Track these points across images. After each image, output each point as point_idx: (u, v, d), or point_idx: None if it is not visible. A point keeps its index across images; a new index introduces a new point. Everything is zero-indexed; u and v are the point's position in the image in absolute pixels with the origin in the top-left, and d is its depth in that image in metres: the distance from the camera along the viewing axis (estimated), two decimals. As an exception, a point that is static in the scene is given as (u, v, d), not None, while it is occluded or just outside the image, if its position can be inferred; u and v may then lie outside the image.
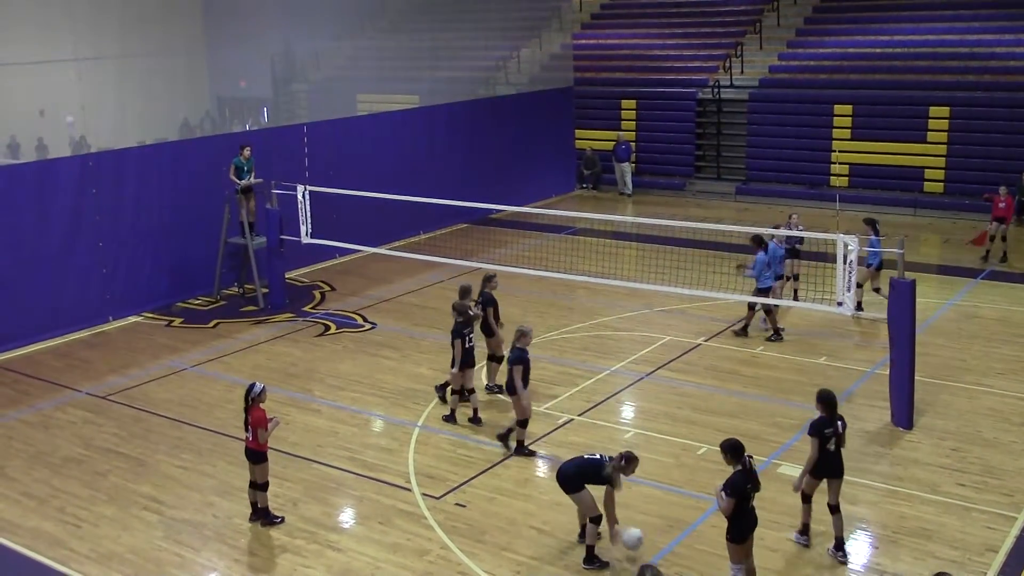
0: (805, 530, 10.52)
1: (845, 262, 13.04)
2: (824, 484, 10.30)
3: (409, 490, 11.90)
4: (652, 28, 32.45)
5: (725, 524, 9.23)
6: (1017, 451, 12.51)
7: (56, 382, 15.71)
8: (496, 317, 14.36)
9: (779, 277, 16.71)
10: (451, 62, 32.17)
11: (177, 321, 18.61)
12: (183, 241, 19.42)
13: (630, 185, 29.40)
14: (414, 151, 24.14)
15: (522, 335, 12.47)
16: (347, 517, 11.49)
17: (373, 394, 14.90)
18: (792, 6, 30.64)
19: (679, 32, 31.75)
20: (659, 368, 15.50)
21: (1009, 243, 21.18)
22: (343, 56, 36.52)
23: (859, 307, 16.17)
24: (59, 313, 17.65)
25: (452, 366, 13.57)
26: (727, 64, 29.34)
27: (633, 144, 29.78)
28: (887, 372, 13.58)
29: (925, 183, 25.93)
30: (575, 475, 9.98)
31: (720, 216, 25.71)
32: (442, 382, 14.40)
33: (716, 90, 28.89)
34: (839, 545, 10.26)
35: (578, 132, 30.27)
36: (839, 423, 10.16)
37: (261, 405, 10.93)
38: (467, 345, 13.48)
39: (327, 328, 17.97)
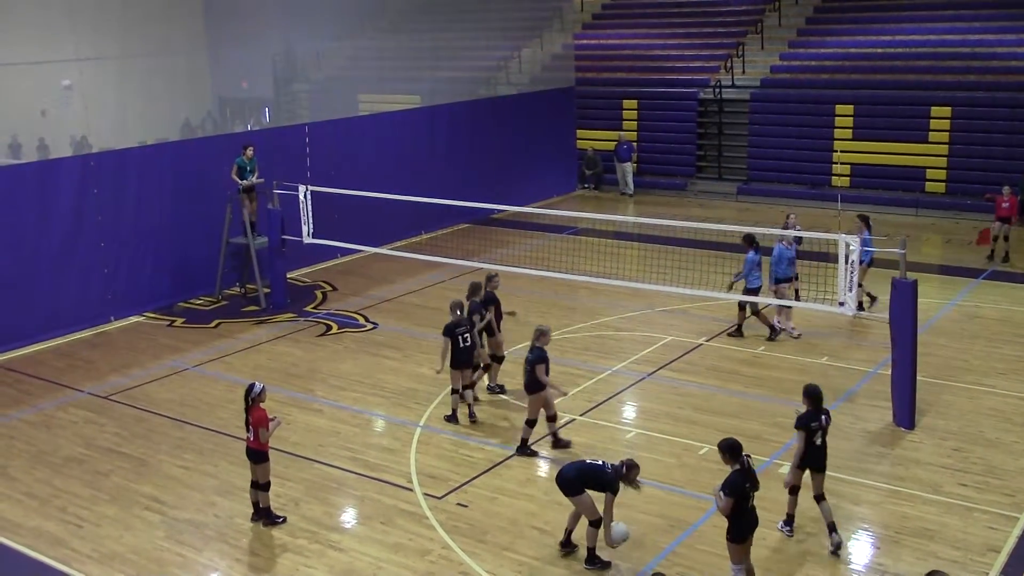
0: (789, 520, 10.69)
1: (846, 262, 13.04)
2: (808, 479, 10.48)
3: (411, 490, 11.90)
4: (653, 28, 32.45)
5: (726, 524, 9.25)
6: (1019, 451, 12.50)
7: (58, 382, 15.72)
8: (498, 316, 14.35)
9: (788, 279, 16.55)
10: (452, 62, 32.16)
11: (179, 321, 18.62)
12: (184, 241, 19.43)
13: (631, 185, 29.40)
14: (415, 151, 24.14)
15: (541, 334, 12.48)
16: (349, 517, 11.49)
17: (375, 394, 14.90)
18: (793, 6, 30.64)
19: (680, 32, 31.74)
20: (661, 368, 15.49)
21: (1012, 243, 21.16)
22: (344, 56, 36.52)
23: (860, 307, 16.16)
24: (61, 313, 17.67)
25: (439, 366, 13.58)
26: (728, 64, 29.33)
27: (635, 144, 29.78)
28: (889, 372, 13.56)
29: (927, 183, 25.91)
30: (575, 479, 9.97)
31: (721, 216, 25.71)
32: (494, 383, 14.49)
33: (718, 90, 28.88)
34: (832, 528, 10.42)
35: (579, 132, 30.27)
36: (824, 417, 10.37)
37: (261, 405, 10.94)
38: (462, 344, 13.48)
39: (329, 328, 17.97)
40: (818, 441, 10.33)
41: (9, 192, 17.10)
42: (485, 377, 14.63)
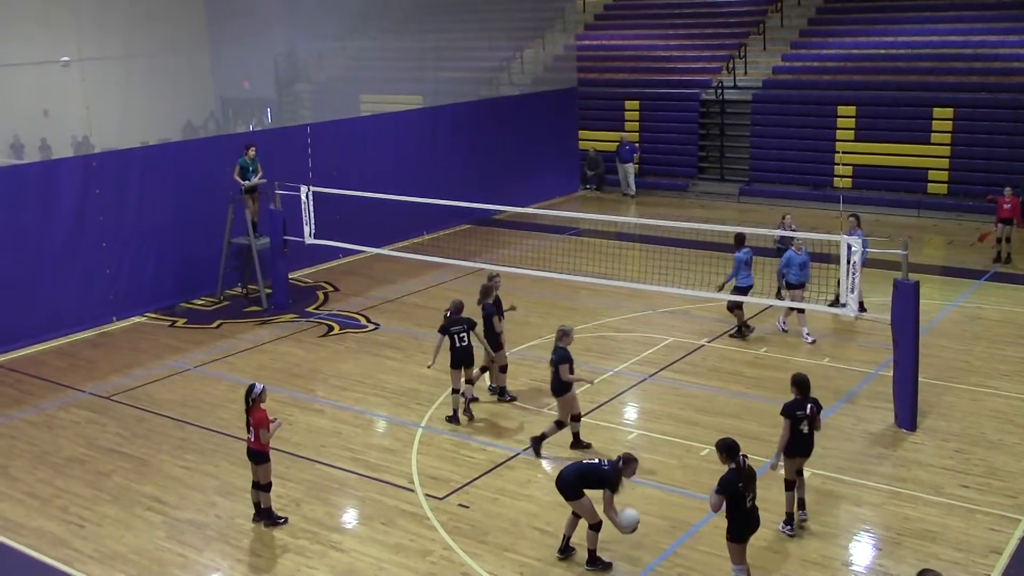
0: (789, 520, 10.75)
1: (848, 263, 13.03)
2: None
3: (412, 491, 11.90)
4: (656, 29, 32.44)
5: (727, 525, 9.27)
6: (1020, 453, 12.48)
7: (59, 382, 15.73)
8: (500, 317, 14.33)
9: (800, 285, 16.39)
10: (454, 63, 32.19)
11: (180, 321, 18.63)
12: (186, 241, 19.44)
13: (633, 186, 29.39)
14: (417, 152, 24.15)
15: (564, 334, 12.45)
16: (350, 518, 11.49)
17: (376, 395, 14.91)
18: (796, 7, 30.63)
19: (683, 33, 31.73)
20: (662, 369, 15.49)
21: (1013, 244, 21.14)
22: (346, 57, 36.54)
23: (861, 307, 16.16)
24: (63, 313, 17.68)
25: (431, 360, 13.67)
26: (730, 65, 29.32)
27: (637, 144, 29.77)
28: (890, 373, 13.55)
29: (929, 184, 25.90)
30: (575, 481, 9.95)
31: (723, 217, 25.71)
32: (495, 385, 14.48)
33: (719, 91, 28.87)
34: (801, 505, 10.83)
35: (581, 133, 30.27)
36: (810, 405, 10.53)
37: (262, 406, 10.95)
38: (458, 344, 13.49)
39: (330, 328, 17.98)
40: (804, 429, 10.56)
41: (11, 192, 17.12)
42: (486, 377, 14.63)
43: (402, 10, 35.93)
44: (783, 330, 16.84)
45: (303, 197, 18.21)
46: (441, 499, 11.67)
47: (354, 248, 19.98)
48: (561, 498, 10.20)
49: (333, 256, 21.68)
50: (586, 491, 9.96)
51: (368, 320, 18.41)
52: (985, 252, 21.28)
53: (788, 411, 10.52)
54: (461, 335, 13.50)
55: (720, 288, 16.63)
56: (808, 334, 16.51)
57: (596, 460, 10.14)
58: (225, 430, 13.63)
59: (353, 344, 17.17)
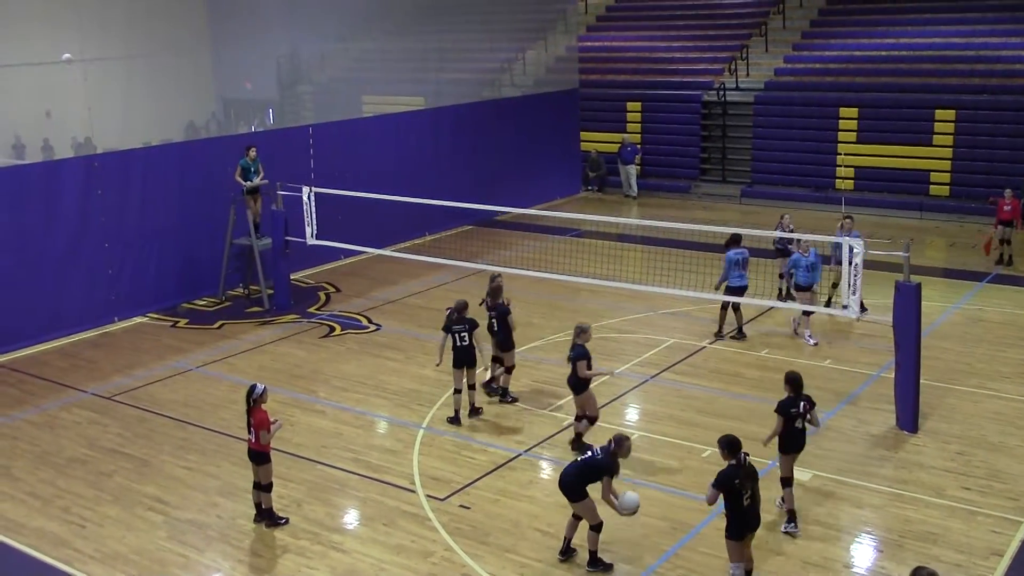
0: (792, 517, 10.81)
1: (850, 265, 13.03)
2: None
3: (413, 492, 11.90)
4: (657, 31, 32.44)
5: (726, 522, 9.33)
6: (1022, 455, 12.47)
7: (61, 382, 15.74)
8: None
9: (807, 287, 16.28)
10: (456, 64, 32.20)
11: (182, 322, 18.64)
12: (188, 242, 19.46)
13: (635, 187, 29.39)
14: (419, 153, 24.15)
15: (582, 332, 12.51)
16: (351, 518, 11.50)
17: (377, 395, 14.91)
18: (798, 9, 30.63)
19: (685, 35, 31.74)
20: (664, 370, 15.49)
21: (1014, 247, 21.12)
22: (348, 58, 36.55)
23: (863, 308, 16.14)
24: (64, 313, 17.69)
25: (437, 359, 13.77)
26: (732, 67, 29.31)
27: (639, 146, 29.78)
28: (892, 375, 13.54)
29: (931, 186, 25.88)
30: (577, 481, 9.93)
31: (725, 219, 25.69)
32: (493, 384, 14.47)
33: (721, 93, 28.87)
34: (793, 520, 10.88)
35: (583, 134, 30.27)
36: (803, 403, 10.71)
37: (263, 406, 10.95)
38: (458, 343, 13.52)
39: (332, 329, 17.99)
40: (799, 426, 10.75)
41: (14, 193, 17.13)
42: (487, 375, 14.63)
43: (404, 11, 35.95)
44: (803, 337, 16.62)
45: (305, 198, 18.22)
46: (442, 500, 11.67)
47: (356, 249, 19.98)
48: (562, 499, 10.20)
49: (335, 257, 21.69)
50: (589, 486, 9.95)
51: (370, 321, 18.42)
52: (992, 255, 21.26)
53: (783, 408, 10.71)
54: (462, 335, 13.51)
55: (717, 288, 16.64)
56: (810, 336, 16.50)
57: (589, 453, 10.09)
58: (227, 431, 13.64)
59: (354, 345, 17.17)
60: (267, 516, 11.18)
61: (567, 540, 10.30)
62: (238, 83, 36.42)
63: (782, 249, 18.23)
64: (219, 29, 35.30)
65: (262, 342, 17.41)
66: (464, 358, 13.58)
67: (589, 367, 12.37)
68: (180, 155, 20.18)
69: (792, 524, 10.76)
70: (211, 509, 11.63)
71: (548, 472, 12.36)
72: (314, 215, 18.27)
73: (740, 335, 16.72)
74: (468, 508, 11.47)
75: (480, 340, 13.71)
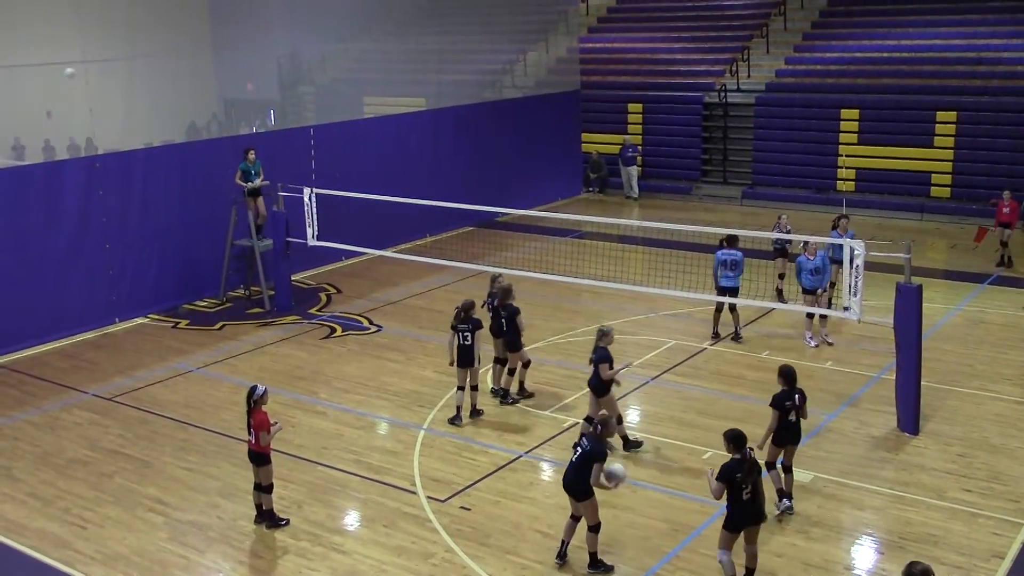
0: (781, 495, 11.07)
1: (852, 266, 13.02)
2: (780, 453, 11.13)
3: (414, 493, 11.90)
4: (659, 32, 32.43)
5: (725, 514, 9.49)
6: (1023, 457, 12.47)
7: (62, 383, 15.74)
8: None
9: (812, 291, 16.15)
10: (458, 65, 32.20)
11: (183, 323, 18.64)
12: (189, 243, 19.46)
13: (636, 189, 29.38)
14: (420, 154, 24.15)
15: (604, 335, 12.55)
16: (352, 520, 11.49)
17: (378, 397, 14.91)
18: (799, 10, 30.62)
19: (686, 36, 31.72)
20: (665, 372, 15.48)
21: (1013, 248, 21.10)
22: (350, 59, 36.55)
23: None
24: (65, 314, 17.70)
25: (449, 358, 13.83)
26: (734, 68, 29.31)
27: (640, 147, 29.77)
28: (893, 377, 13.53)
29: (932, 188, 25.87)
30: (580, 478, 9.91)
31: (726, 220, 25.69)
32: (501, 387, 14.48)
33: (723, 94, 28.86)
34: (786, 496, 11.15)
35: (584, 135, 30.27)
36: (797, 396, 10.88)
37: (263, 407, 10.95)
38: (461, 342, 13.56)
39: (333, 330, 17.99)
40: (792, 419, 10.92)
41: (15, 194, 17.14)
42: (490, 380, 14.64)
43: (405, 12, 35.97)
44: (827, 343, 16.47)
45: (306, 199, 18.23)
46: (443, 501, 11.66)
47: (357, 250, 19.97)
48: (563, 500, 10.18)
49: (336, 258, 21.69)
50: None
51: (370, 322, 18.42)
52: (988, 256, 21.25)
53: (777, 402, 10.89)
54: (465, 334, 13.57)
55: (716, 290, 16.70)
56: (811, 337, 16.50)
57: (578, 449, 10.01)
58: (227, 432, 13.63)
59: (355, 346, 17.17)
60: (268, 517, 11.17)
61: (565, 543, 10.27)
62: (239, 84, 36.43)
63: (780, 249, 18.30)
64: (220, 30, 35.32)
65: (263, 343, 17.41)
66: (467, 358, 13.63)
67: (611, 368, 12.41)
68: (181, 156, 20.17)
69: (782, 501, 11.07)
70: (212, 510, 11.63)
71: (549, 474, 12.36)
72: (315, 216, 18.27)
73: (737, 338, 16.72)
74: (469, 509, 11.46)
75: (481, 341, 13.74)
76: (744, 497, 9.35)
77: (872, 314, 15.85)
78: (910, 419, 13.13)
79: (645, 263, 19.29)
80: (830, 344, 16.40)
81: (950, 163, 25.65)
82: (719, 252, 16.47)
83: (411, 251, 21.80)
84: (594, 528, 10.02)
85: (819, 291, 16.17)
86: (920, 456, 12.55)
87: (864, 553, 10.56)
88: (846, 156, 26.47)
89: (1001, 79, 25.73)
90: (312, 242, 18.45)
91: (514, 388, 14.52)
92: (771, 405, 10.92)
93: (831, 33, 29.70)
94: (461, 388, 13.78)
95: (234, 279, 20.01)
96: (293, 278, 19.75)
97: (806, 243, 16.28)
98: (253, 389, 10.94)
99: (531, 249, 22.56)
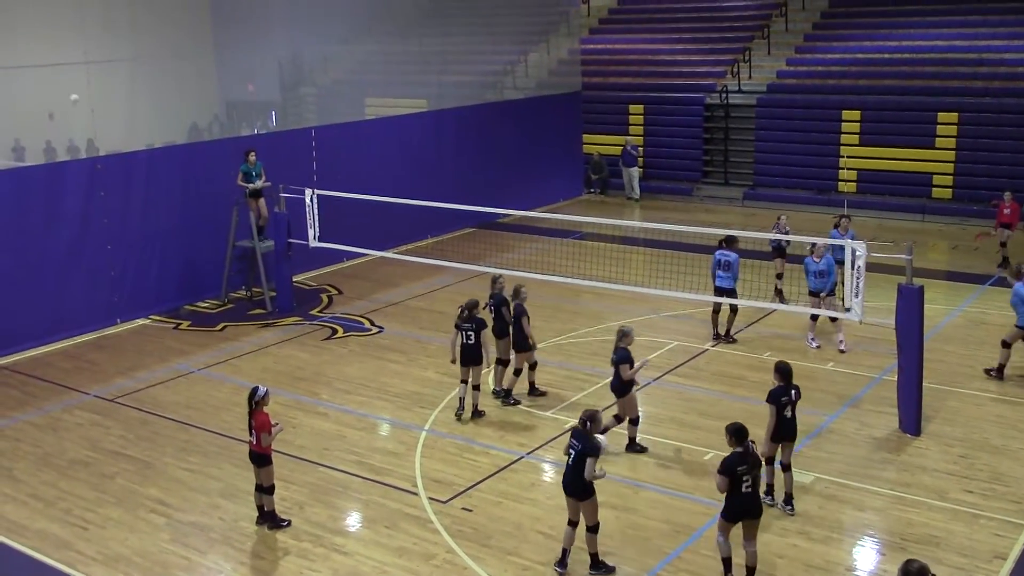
0: (769, 490, 11.28)
1: (853, 268, 13.02)
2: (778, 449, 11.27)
3: (416, 494, 11.90)
4: (660, 33, 32.45)
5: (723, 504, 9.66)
6: (1025, 458, 12.47)
7: (64, 384, 15.75)
8: (510, 318, 14.34)
9: (816, 293, 16.08)
10: (459, 66, 32.21)
11: (185, 324, 18.65)
12: (191, 244, 19.47)
13: (637, 190, 29.39)
14: (422, 155, 24.17)
15: (624, 335, 12.61)
16: (353, 521, 11.49)
17: (380, 398, 14.91)
18: (800, 11, 30.62)
19: (687, 37, 31.74)
20: (666, 373, 15.47)
21: (1012, 249, 21.07)
22: (351, 60, 36.54)
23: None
24: (67, 315, 17.71)
25: (451, 355, 13.94)
26: (735, 69, 29.32)
27: (641, 148, 29.78)
28: (895, 378, 13.53)
29: (933, 189, 25.87)
30: (580, 478, 9.89)
31: (727, 221, 25.67)
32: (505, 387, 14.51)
33: (724, 95, 28.87)
34: (788, 500, 11.22)
35: (586, 136, 30.28)
36: (793, 392, 11.03)
37: (264, 409, 10.96)
38: (464, 341, 13.63)
39: (334, 331, 17.99)
40: (788, 414, 11.03)
41: (17, 195, 17.16)
42: (492, 381, 14.64)
43: (407, 14, 35.96)
44: (839, 351, 16.36)
45: (308, 200, 18.24)
46: (444, 502, 11.66)
47: (358, 251, 19.98)
48: (565, 501, 10.16)
49: (337, 259, 21.70)
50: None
51: (372, 323, 18.42)
52: (989, 257, 21.24)
53: (773, 397, 10.99)
54: (468, 333, 13.64)
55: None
56: (813, 339, 16.49)
57: (571, 451, 9.98)
58: (229, 433, 13.64)
59: (357, 347, 17.18)
60: (269, 518, 11.18)
61: (566, 552, 10.19)
62: (241, 85, 36.42)
63: (778, 247, 18.32)
64: (222, 32, 35.31)
65: (264, 344, 17.42)
66: (469, 357, 13.68)
67: (631, 369, 12.47)
68: (183, 157, 20.18)
69: (769, 497, 11.20)
70: (213, 511, 11.63)
71: (550, 475, 12.36)
72: (317, 217, 18.28)
73: (727, 338, 16.73)
74: (470, 511, 11.46)
75: (487, 340, 13.79)
76: (743, 490, 9.48)
77: (873, 315, 15.86)
78: (911, 420, 13.13)
79: (646, 264, 19.30)
80: (842, 351, 16.16)
81: (951, 164, 25.65)
82: (716, 252, 16.52)
83: (412, 252, 21.79)
84: (593, 528, 10.01)
85: (822, 294, 16.12)
86: (921, 457, 12.55)
87: (865, 554, 10.56)
88: (847, 157, 26.47)
89: (1003, 80, 25.73)
90: (313, 243, 18.46)
91: (519, 389, 14.52)
92: (768, 401, 11.04)
93: (832, 34, 29.71)
94: (464, 382, 13.89)
95: (236, 280, 20.02)
96: (294, 279, 19.76)
97: (813, 245, 16.23)
98: (255, 390, 10.95)
99: (532, 250, 22.57)
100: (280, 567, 10.51)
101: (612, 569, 10.14)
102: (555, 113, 28.75)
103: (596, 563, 10.10)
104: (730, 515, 9.62)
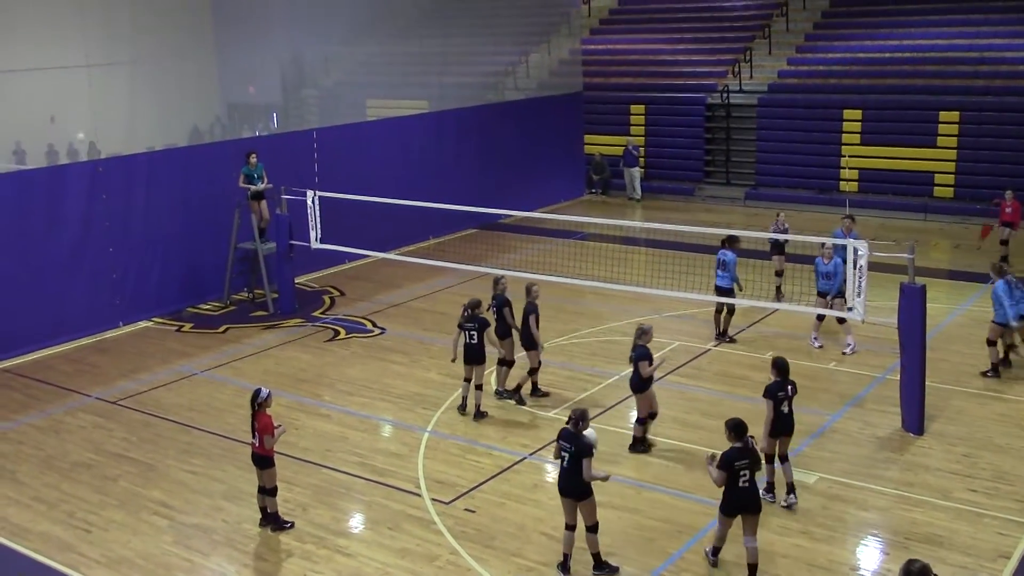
0: (770, 488, 11.37)
1: (855, 267, 13.01)
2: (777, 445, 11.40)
3: (419, 495, 11.90)
4: (661, 33, 32.45)
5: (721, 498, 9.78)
6: (1029, 457, 12.46)
7: (66, 387, 15.76)
8: (512, 318, 14.34)
9: (823, 294, 16.06)
10: (460, 67, 32.22)
11: (187, 326, 18.65)
12: (193, 246, 19.49)
13: (639, 190, 29.39)
14: (423, 156, 24.17)
15: (643, 333, 12.70)
16: (356, 522, 11.49)
17: (382, 399, 14.91)
18: (801, 11, 30.61)
19: (688, 37, 31.74)
20: (668, 373, 15.45)
21: (1013, 248, 21.06)
22: (352, 62, 36.56)
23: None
24: (69, 318, 17.72)
25: (452, 355, 14.06)
26: (736, 69, 29.31)
27: (642, 149, 29.78)
28: (898, 377, 13.52)
29: (935, 188, 25.86)
30: (577, 478, 9.88)
31: (729, 221, 25.66)
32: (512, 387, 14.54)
33: (725, 95, 28.86)
34: (790, 489, 11.32)
35: (587, 137, 30.28)
36: (790, 387, 11.18)
37: (267, 410, 10.96)
38: (467, 341, 13.69)
39: (336, 333, 17.99)
40: (785, 409, 11.16)
41: (18, 197, 17.17)
42: (494, 382, 14.65)
43: (408, 15, 35.97)
44: (844, 352, 16.30)
45: (309, 202, 18.24)
46: (447, 504, 11.66)
47: (360, 253, 19.99)
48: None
49: (339, 261, 21.70)
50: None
51: (374, 324, 18.42)
52: (991, 255, 21.18)
53: (770, 393, 11.12)
54: (471, 333, 13.68)
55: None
56: (816, 338, 16.48)
57: (565, 455, 9.95)
58: (232, 435, 13.64)
59: (359, 349, 17.18)
60: (273, 520, 11.18)
61: (567, 557, 10.16)
62: (242, 87, 36.44)
63: (776, 244, 18.33)
64: (223, 34, 35.32)
65: (267, 346, 17.42)
66: (472, 356, 13.73)
67: (650, 366, 12.53)
68: (184, 160, 20.19)
69: (771, 495, 11.26)
70: (216, 513, 11.64)
71: (553, 476, 12.30)
72: (318, 219, 18.29)
73: (725, 338, 16.74)
74: (473, 512, 11.46)
75: (490, 340, 13.83)
76: (741, 484, 9.60)
77: (876, 314, 15.85)
78: (914, 419, 13.12)
79: (648, 264, 19.29)
80: (844, 354, 16.09)
81: (953, 163, 25.64)
82: (719, 252, 16.54)
83: (414, 253, 21.79)
84: (593, 528, 10.00)
85: (829, 297, 16.06)
86: (925, 456, 12.54)
87: (869, 553, 10.55)
88: (849, 156, 26.45)
89: (1004, 79, 25.72)
90: (315, 245, 18.46)
91: (526, 390, 14.53)
92: (765, 396, 11.16)
93: (833, 33, 29.70)
94: (467, 381, 13.96)
95: (238, 282, 20.03)
96: (297, 281, 19.77)
97: (823, 245, 16.19)
98: (257, 392, 10.95)
99: (534, 251, 22.56)
100: (283, 569, 10.51)
101: (616, 569, 10.13)
102: (556, 114, 28.75)
103: (599, 563, 10.09)
104: (728, 509, 9.74)
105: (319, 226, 18.33)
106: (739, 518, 9.79)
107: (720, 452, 9.77)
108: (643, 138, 30.04)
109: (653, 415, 12.92)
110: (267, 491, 11.15)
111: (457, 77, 31.24)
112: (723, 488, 9.67)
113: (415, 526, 11.18)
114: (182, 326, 18.65)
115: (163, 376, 16.11)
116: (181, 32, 33.76)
